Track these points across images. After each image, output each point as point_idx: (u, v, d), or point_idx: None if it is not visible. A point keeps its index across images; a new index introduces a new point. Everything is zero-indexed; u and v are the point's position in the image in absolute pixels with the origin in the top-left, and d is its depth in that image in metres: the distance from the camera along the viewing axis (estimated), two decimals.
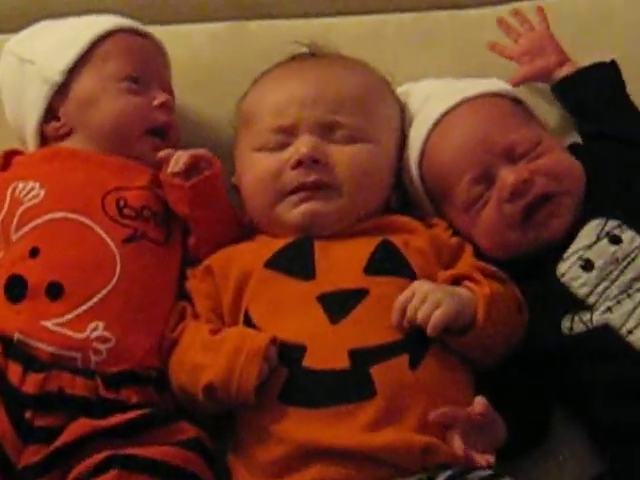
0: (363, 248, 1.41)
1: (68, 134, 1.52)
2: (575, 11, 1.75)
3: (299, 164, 1.41)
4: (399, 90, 1.57)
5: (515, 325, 1.36)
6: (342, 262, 1.40)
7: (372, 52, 1.60)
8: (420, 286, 1.33)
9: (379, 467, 1.27)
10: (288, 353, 1.33)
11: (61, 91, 1.52)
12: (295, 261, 1.41)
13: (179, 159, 1.43)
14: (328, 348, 1.33)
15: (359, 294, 1.36)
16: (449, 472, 1.25)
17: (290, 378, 1.32)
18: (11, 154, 1.53)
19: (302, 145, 1.42)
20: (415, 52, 1.72)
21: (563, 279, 1.40)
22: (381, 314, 1.35)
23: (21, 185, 1.46)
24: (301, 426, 1.30)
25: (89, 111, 1.52)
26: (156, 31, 1.60)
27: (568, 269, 1.40)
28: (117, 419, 1.33)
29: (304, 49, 1.55)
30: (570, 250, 1.41)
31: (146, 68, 1.54)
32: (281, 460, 1.29)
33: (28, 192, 1.46)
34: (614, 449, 1.35)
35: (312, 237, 1.41)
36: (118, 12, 1.60)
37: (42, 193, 1.45)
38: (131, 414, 1.33)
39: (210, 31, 1.76)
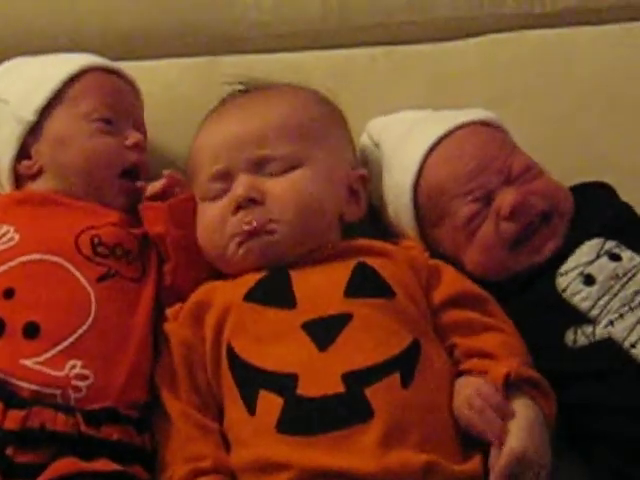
0: (340, 272, 1.41)
1: (39, 173, 1.52)
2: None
3: (238, 208, 1.42)
4: (372, 122, 1.59)
5: None
6: (321, 288, 1.40)
7: (343, 85, 1.61)
8: (528, 455, 1.30)
9: None
10: (281, 383, 1.33)
11: (34, 130, 1.52)
12: (274, 291, 1.40)
13: (156, 183, 1.46)
14: (321, 374, 1.33)
15: (343, 319, 1.37)
16: None
17: (286, 408, 1.32)
18: None
19: (238, 186, 1.43)
20: (386, 85, 1.72)
21: (564, 294, 1.41)
22: (367, 335, 1.35)
23: None
24: (304, 453, 1.30)
25: (61, 151, 1.51)
26: (128, 66, 1.60)
27: (569, 284, 1.42)
28: (102, 465, 1.32)
29: (236, 86, 1.56)
30: (569, 265, 1.43)
31: (118, 107, 1.54)
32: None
33: (3, 235, 1.45)
34: (616, 464, 1.35)
35: (285, 267, 1.42)
36: (92, 48, 1.61)
37: (17, 237, 1.45)
38: (115, 466, 1.33)
39: (182, 66, 1.76)
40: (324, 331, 1.35)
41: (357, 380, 1.32)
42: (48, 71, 1.56)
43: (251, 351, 1.37)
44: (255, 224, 1.41)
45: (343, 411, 1.30)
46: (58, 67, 1.55)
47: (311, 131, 1.48)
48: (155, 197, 1.46)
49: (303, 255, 1.42)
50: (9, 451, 1.30)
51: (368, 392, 1.31)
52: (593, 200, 1.52)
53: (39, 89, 1.53)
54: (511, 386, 1.33)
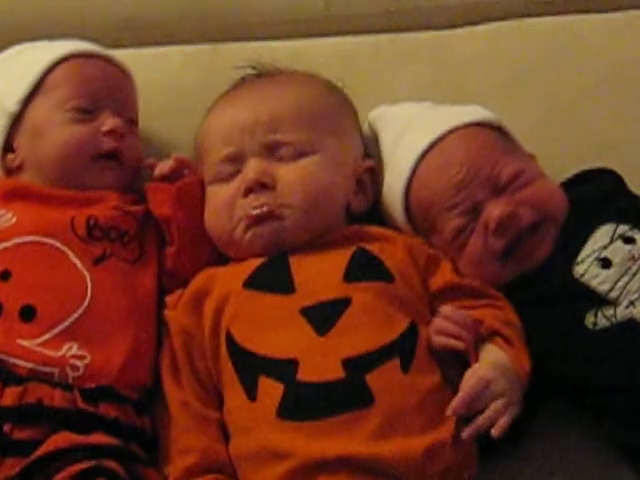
0: (339, 257, 1.43)
1: (21, 167, 1.54)
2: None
3: (249, 191, 1.43)
4: (373, 113, 1.58)
5: None
6: (320, 273, 1.42)
7: (347, 74, 1.61)
8: (493, 385, 1.33)
9: (386, 477, 1.29)
10: (281, 369, 1.35)
11: (18, 122, 1.53)
12: (273, 278, 1.42)
13: (165, 164, 1.46)
14: (321, 360, 1.35)
15: (342, 303, 1.38)
16: None
17: (287, 393, 1.33)
18: None
19: (249, 170, 1.44)
20: (390, 73, 1.72)
21: (582, 279, 1.42)
22: (366, 320, 1.37)
23: None
24: (305, 439, 1.31)
25: (37, 143, 1.53)
26: (132, 54, 1.63)
27: (586, 269, 1.42)
28: (98, 439, 1.34)
29: (250, 70, 1.58)
30: (584, 253, 1.44)
31: (97, 94, 1.54)
32: (287, 476, 1.30)
33: (1, 217, 1.47)
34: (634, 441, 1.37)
35: (286, 253, 1.43)
36: (93, 35, 1.61)
37: (14, 219, 1.46)
38: (111, 439, 1.34)
39: (184, 53, 1.76)
40: (323, 316, 1.37)
41: (357, 366, 1.33)
42: (32, 60, 1.56)
43: (250, 338, 1.38)
44: (266, 209, 1.42)
45: (344, 397, 1.32)
46: (41, 56, 1.56)
47: (323, 119, 1.49)
48: (163, 178, 1.47)
49: (306, 241, 1.43)
50: (6, 428, 1.32)
51: (368, 378, 1.32)
52: (602, 186, 1.53)
53: (22, 79, 1.54)
54: (484, 340, 1.37)
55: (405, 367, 1.35)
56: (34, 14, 1.77)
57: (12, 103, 1.52)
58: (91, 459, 1.31)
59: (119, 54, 1.59)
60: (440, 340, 1.35)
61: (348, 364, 1.34)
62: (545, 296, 1.43)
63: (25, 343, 1.37)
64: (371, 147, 1.58)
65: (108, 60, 1.57)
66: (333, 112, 1.52)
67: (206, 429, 1.39)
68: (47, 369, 1.36)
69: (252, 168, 1.44)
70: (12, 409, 1.34)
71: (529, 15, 1.78)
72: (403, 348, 1.36)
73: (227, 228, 1.44)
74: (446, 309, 1.37)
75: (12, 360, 1.36)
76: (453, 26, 1.79)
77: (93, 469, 1.30)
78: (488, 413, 1.31)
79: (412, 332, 1.38)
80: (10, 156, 1.53)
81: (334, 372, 1.33)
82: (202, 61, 1.75)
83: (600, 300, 1.40)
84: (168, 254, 1.48)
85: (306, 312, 1.38)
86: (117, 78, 1.57)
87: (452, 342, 1.35)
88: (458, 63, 1.72)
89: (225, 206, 1.45)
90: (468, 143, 1.50)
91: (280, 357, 1.36)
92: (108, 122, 1.51)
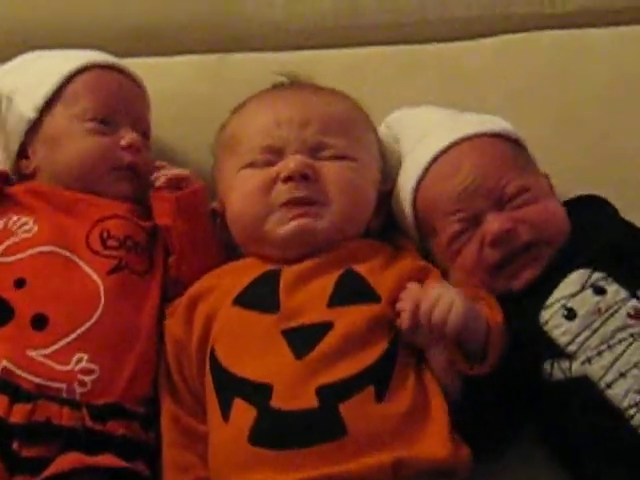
0: (327, 279, 1.43)
1: (35, 173, 1.56)
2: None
3: (290, 179, 1.44)
4: (392, 116, 1.61)
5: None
6: (306, 296, 1.42)
7: (355, 85, 1.63)
8: (432, 288, 1.36)
9: None
10: (255, 392, 1.35)
11: (34, 128, 1.55)
12: (261, 295, 1.43)
13: (165, 175, 1.49)
14: (295, 386, 1.35)
15: (324, 328, 1.39)
16: None
17: (259, 419, 1.34)
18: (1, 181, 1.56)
19: (291, 161, 1.45)
20: (397, 84, 1.74)
21: (546, 327, 1.42)
22: (344, 346, 1.37)
23: (14, 218, 1.50)
24: (274, 470, 1.32)
25: (54, 151, 1.54)
26: (141, 63, 1.65)
27: (551, 317, 1.42)
28: (105, 460, 1.34)
29: (282, 79, 1.60)
30: (554, 297, 1.43)
31: (115, 106, 1.57)
32: None
33: (20, 224, 1.49)
34: None
35: (279, 270, 1.44)
36: (104, 44, 1.63)
37: (35, 228, 1.48)
38: (118, 461, 1.35)
39: (195, 63, 1.79)
40: (303, 339, 1.38)
41: (331, 395, 1.34)
42: (50, 68, 1.59)
43: (231, 357, 1.40)
44: (306, 194, 1.44)
45: (316, 427, 1.32)
46: (60, 64, 1.58)
47: (361, 134, 1.54)
48: (167, 186, 1.50)
49: (306, 253, 1.45)
50: (15, 446, 1.33)
51: (342, 408, 1.32)
52: (589, 221, 1.53)
53: (40, 86, 1.56)
54: None
55: (379, 395, 1.34)
56: (47, 22, 1.79)
57: (29, 110, 1.54)
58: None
59: (129, 63, 1.61)
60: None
61: (322, 393, 1.34)
62: (514, 329, 1.42)
63: (34, 354, 1.38)
64: (388, 147, 1.61)
65: (124, 72, 1.60)
66: (367, 130, 1.56)
67: (195, 446, 1.40)
68: (55, 384, 1.37)
69: (294, 160, 1.45)
70: (21, 427, 1.35)
71: (536, 28, 1.79)
72: (378, 375, 1.36)
73: (260, 213, 1.45)
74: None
75: (20, 373, 1.37)
76: (458, 38, 1.81)
77: None
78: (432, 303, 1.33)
79: (390, 354, 1.38)
80: (24, 162, 1.55)
81: (308, 401, 1.34)
82: (210, 71, 1.77)
83: (559, 351, 1.40)
84: (171, 263, 1.50)
85: (287, 334, 1.39)
86: (133, 91, 1.60)
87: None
88: (466, 75, 1.74)
89: (260, 189, 1.46)
90: (480, 153, 1.51)
91: (255, 380, 1.36)
92: (127, 137, 1.53)
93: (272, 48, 1.80)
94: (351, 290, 1.43)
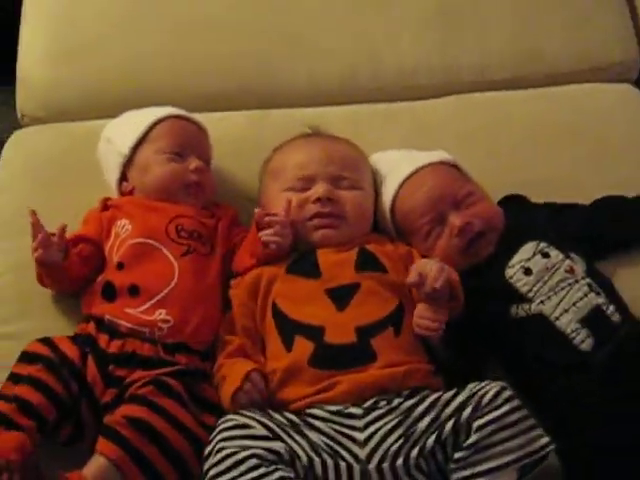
0: (350, 254, 1.67)
1: (133, 191, 1.78)
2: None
3: (319, 200, 1.68)
4: (373, 156, 1.84)
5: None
6: (338, 265, 1.65)
7: (353, 133, 1.88)
8: (433, 263, 1.57)
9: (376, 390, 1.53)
10: (312, 331, 1.58)
11: (130, 161, 1.78)
12: (305, 266, 1.66)
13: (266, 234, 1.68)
14: (340, 328, 1.57)
15: (354, 287, 1.62)
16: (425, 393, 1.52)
17: (316, 350, 1.56)
18: (106, 200, 1.80)
19: (320, 188, 1.69)
20: (383, 131, 2.00)
21: (510, 280, 1.64)
22: (370, 300, 1.61)
23: (119, 222, 1.73)
24: (325, 381, 1.54)
25: (144, 175, 1.77)
26: (204, 117, 1.86)
27: (514, 274, 1.63)
28: (166, 369, 1.57)
29: (308, 130, 1.84)
30: (514, 260, 1.64)
31: (186, 143, 1.78)
32: (318, 389, 1.54)
33: (123, 227, 1.72)
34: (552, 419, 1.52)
35: (315, 249, 1.68)
36: (177, 103, 1.87)
37: (130, 227, 1.71)
38: (174, 368, 1.57)
39: (245, 116, 2.03)
40: (341, 296, 1.61)
41: (365, 332, 1.57)
42: (139, 120, 1.82)
43: (291, 308, 1.62)
44: (330, 210, 1.68)
45: (356, 355, 1.56)
46: (146, 117, 1.82)
47: (365, 170, 1.78)
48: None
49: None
50: (111, 367, 1.59)
51: (373, 341, 1.57)
52: (525, 209, 1.76)
53: (133, 132, 1.80)
54: None
55: (397, 332, 1.59)
56: (141, 90, 2.06)
57: (126, 148, 1.79)
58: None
59: (200, 116, 1.86)
60: (419, 331, 1.59)
61: (359, 331, 1.58)
62: (483, 287, 1.64)
63: (130, 310, 1.62)
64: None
65: (190, 120, 1.83)
66: (368, 171, 1.79)
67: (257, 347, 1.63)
68: (141, 329, 1.61)
69: (322, 187, 1.69)
70: (115, 355, 1.59)
71: (477, 90, 2.08)
72: (395, 320, 1.60)
73: (296, 222, 1.69)
74: (420, 307, 1.59)
75: (118, 321, 1.62)
76: (427, 97, 2.08)
77: (149, 381, 1.53)
78: (432, 271, 1.55)
79: (400, 309, 1.62)
80: (125, 184, 1.80)
81: (349, 337, 1.56)
82: (257, 122, 2.02)
83: (521, 297, 1.63)
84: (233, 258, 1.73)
85: (329, 292, 1.62)
86: (198, 132, 1.84)
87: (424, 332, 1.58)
88: (430, 124, 2.00)
89: (296, 207, 1.69)
90: (435, 173, 1.75)
91: (311, 324, 1.58)
92: (194, 163, 1.76)
93: (297, 105, 2.06)
94: (368, 261, 1.66)
